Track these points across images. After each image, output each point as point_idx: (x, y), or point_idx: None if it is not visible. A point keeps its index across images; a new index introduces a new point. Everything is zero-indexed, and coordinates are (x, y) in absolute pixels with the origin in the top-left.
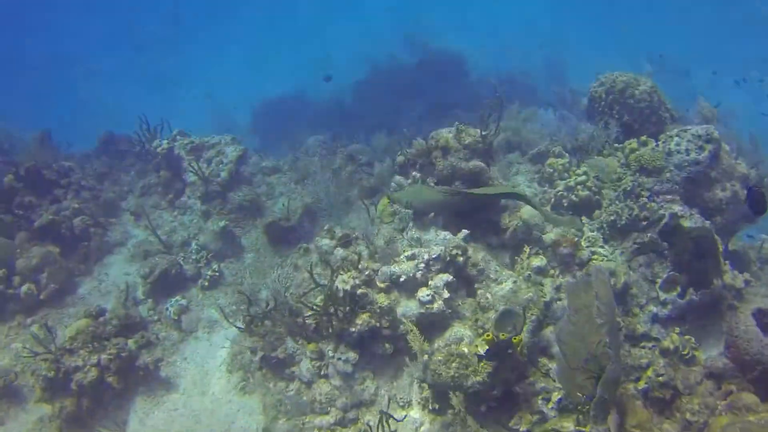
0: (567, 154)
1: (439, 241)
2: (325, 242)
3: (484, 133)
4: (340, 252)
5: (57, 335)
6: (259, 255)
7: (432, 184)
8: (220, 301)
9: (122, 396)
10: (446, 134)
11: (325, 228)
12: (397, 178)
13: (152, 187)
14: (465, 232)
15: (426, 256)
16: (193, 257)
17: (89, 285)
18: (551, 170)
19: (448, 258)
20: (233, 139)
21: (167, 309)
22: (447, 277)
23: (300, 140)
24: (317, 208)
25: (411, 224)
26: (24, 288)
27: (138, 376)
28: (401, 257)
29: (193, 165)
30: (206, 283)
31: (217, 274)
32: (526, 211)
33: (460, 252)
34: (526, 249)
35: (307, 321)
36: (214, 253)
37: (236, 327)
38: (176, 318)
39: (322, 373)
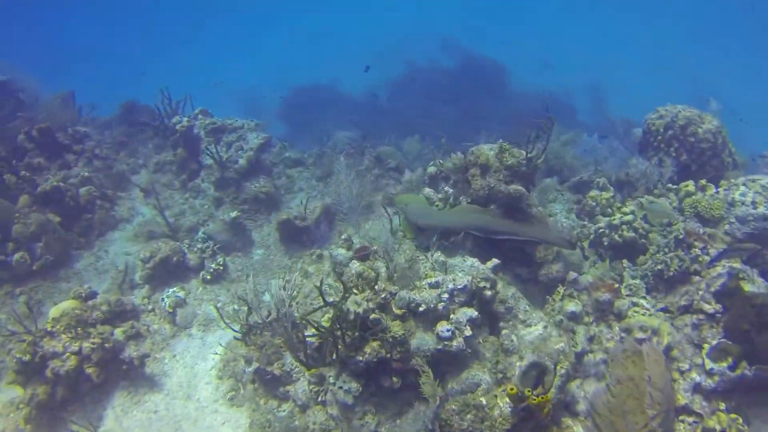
0: (612, 188)
1: (466, 268)
2: (341, 252)
3: (529, 155)
4: (355, 266)
5: (40, 314)
6: (269, 252)
7: (465, 203)
8: (221, 298)
9: (101, 389)
10: (488, 151)
11: (343, 237)
12: (427, 190)
13: (167, 164)
14: (496, 261)
15: (450, 286)
16: (199, 246)
17: (87, 260)
18: (593, 203)
19: (474, 289)
20: (257, 125)
21: (163, 300)
22: (471, 312)
23: (328, 133)
24: (337, 210)
25: (436, 243)
26: (17, 256)
27: (121, 369)
28: (423, 282)
29: (210, 147)
30: (208, 276)
31: (221, 267)
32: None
33: (488, 285)
34: (560, 290)
35: (308, 338)
36: (221, 245)
37: (233, 331)
38: (171, 311)
39: (320, 399)
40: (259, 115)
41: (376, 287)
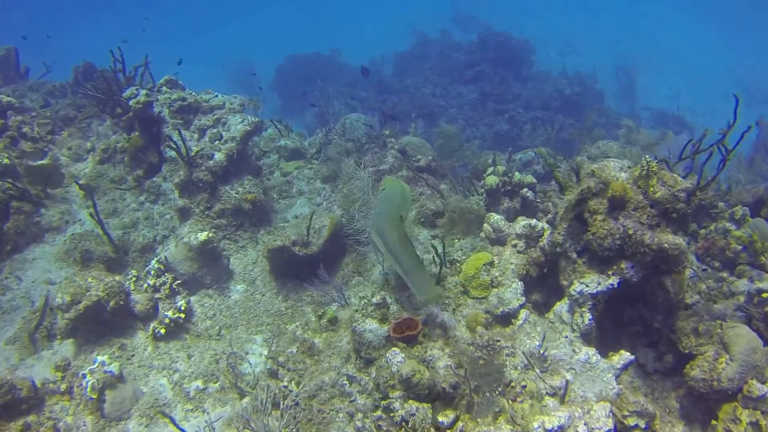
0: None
1: (581, 366)
2: (371, 326)
3: (689, 184)
4: (398, 361)
5: None
6: (254, 290)
7: (570, 253)
8: (179, 365)
9: None
10: (617, 172)
11: (372, 302)
12: (495, 218)
13: (118, 153)
14: (627, 357)
15: (583, 422)
16: (150, 282)
17: None
18: (737, 246)
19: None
20: (243, 104)
21: (83, 377)
22: None
23: (330, 110)
24: (352, 230)
25: (525, 305)
26: None
27: None
28: (531, 422)
29: (174, 135)
30: (162, 330)
31: (182, 316)
32: (739, 334)
33: (643, 425)
34: (740, 412)
35: None
36: (184, 279)
37: None
38: (95, 396)
39: None
40: (248, 87)
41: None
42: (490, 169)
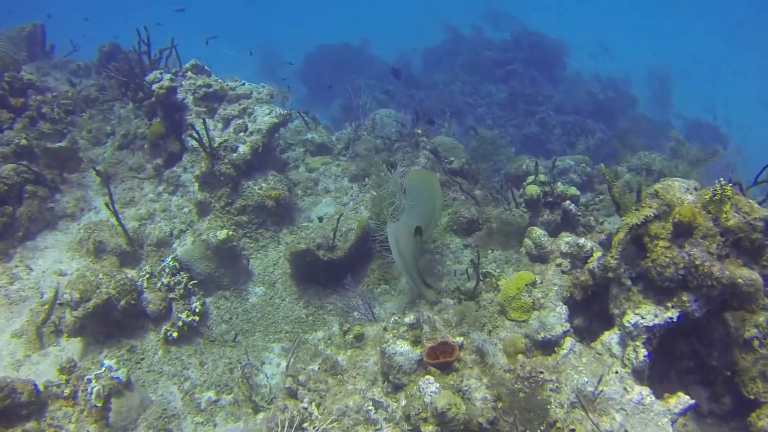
0: None
1: (633, 408)
2: (401, 348)
3: (766, 212)
4: (431, 391)
5: None
6: (273, 293)
7: (625, 281)
8: (191, 373)
9: None
10: (683, 193)
11: (405, 322)
12: (538, 233)
13: (138, 139)
14: (687, 401)
15: None
16: (165, 281)
17: None
18: None
19: None
20: (271, 94)
21: (89, 382)
22: None
23: (360, 104)
24: (382, 236)
25: (569, 332)
26: None
27: None
28: None
29: (197, 124)
30: (175, 334)
31: (197, 319)
32: None
33: None
34: None
35: None
36: (200, 279)
37: None
38: (100, 404)
39: None
40: (274, 73)
41: None
42: (531, 178)
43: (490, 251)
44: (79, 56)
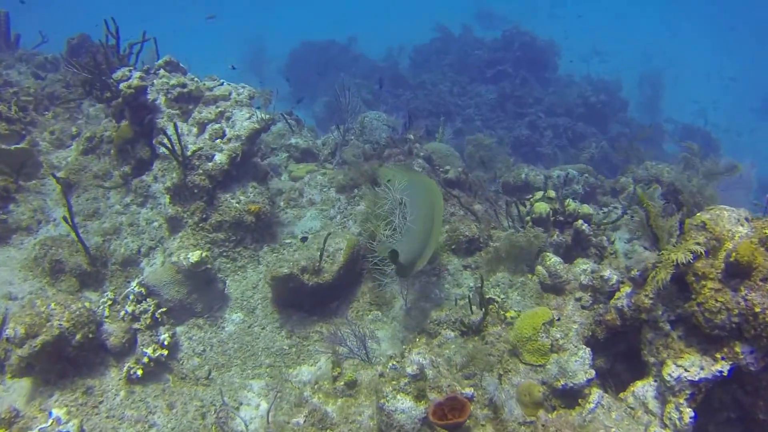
0: None
1: None
2: (403, 406)
3: None
4: None
5: None
6: (252, 320)
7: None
8: (157, 418)
9: None
10: (734, 225)
11: (406, 373)
12: (553, 260)
13: (105, 143)
14: None
15: None
16: (128, 309)
17: None
18: None
19: None
20: (252, 96)
21: None
22: None
23: (349, 106)
24: (375, 257)
25: (595, 380)
26: None
27: None
28: None
29: (168, 129)
30: (139, 371)
31: (164, 353)
32: None
33: None
34: None
35: None
36: (169, 307)
37: None
38: None
39: None
40: (259, 68)
41: None
42: (539, 194)
43: (492, 274)
44: (49, 48)
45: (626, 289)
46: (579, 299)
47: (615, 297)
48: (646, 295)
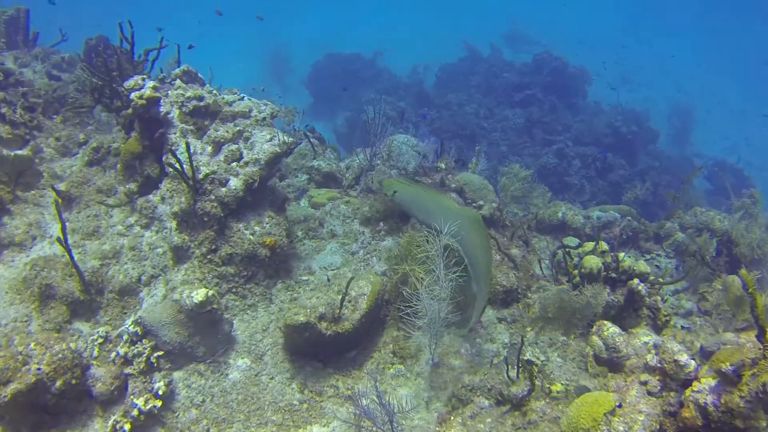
0: None
1: None
2: None
3: None
4: None
5: None
6: (260, 367)
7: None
8: None
9: None
10: None
11: None
12: (611, 330)
13: (112, 155)
14: None
15: None
16: (120, 351)
17: None
18: None
19: None
20: (274, 114)
21: None
22: None
23: (378, 128)
24: (409, 309)
25: None
26: None
27: None
28: None
29: (180, 148)
30: (126, 425)
31: (158, 404)
32: None
33: None
34: None
35: None
36: (167, 349)
37: None
38: None
39: None
40: (281, 78)
41: None
42: (590, 245)
43: (529, 329)
44: (68, 47)
45: (707, 380)
46: (645, 383)
47: (693, 387)
48: (741, 396)
